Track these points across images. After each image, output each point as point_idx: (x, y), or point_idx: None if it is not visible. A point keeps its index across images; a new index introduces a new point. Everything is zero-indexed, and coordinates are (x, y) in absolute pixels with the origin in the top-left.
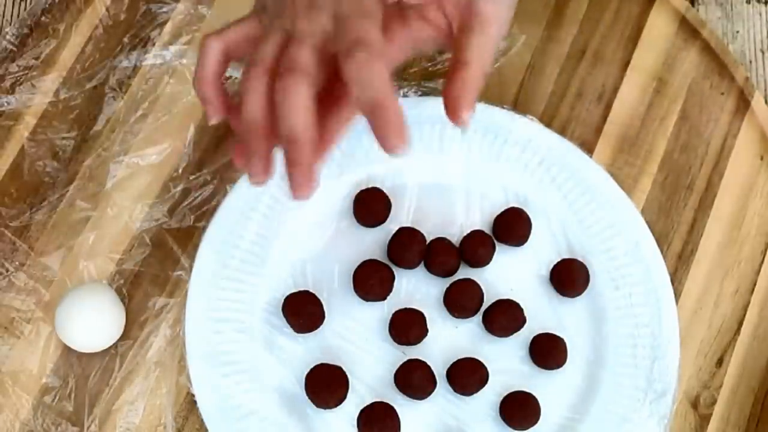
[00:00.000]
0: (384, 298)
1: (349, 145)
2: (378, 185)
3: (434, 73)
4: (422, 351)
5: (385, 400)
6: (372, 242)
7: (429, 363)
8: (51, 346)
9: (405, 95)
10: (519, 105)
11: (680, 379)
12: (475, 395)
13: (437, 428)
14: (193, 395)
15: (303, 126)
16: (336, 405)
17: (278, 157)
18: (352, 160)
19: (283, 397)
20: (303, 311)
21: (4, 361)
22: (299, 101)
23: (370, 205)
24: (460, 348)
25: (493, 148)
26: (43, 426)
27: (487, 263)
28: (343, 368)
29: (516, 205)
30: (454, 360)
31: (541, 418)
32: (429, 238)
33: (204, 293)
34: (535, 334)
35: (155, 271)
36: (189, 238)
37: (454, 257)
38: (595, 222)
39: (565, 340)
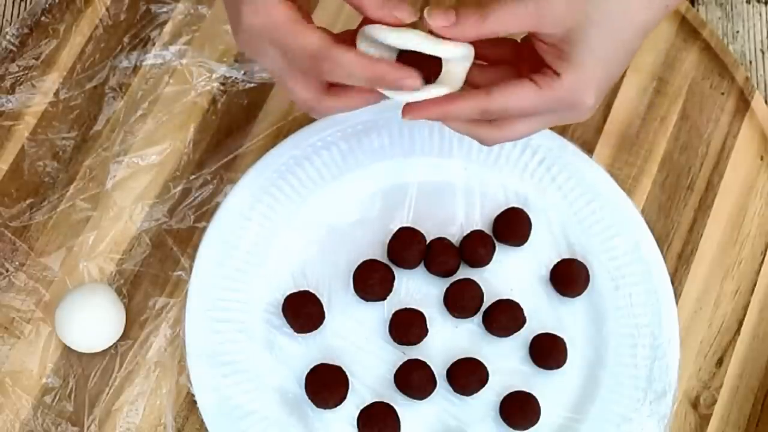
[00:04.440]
0: (384, 298)
1: (350, 146)
2: (378, 185)
3: None
4: (422, 351)
5: (385, 400)
6: (372, 242)
7: (429, 363)
8: (51, 346)
9: None
10: None
11: (680, 379)
12: (475, 395)
13: (437, 428)
14: (193, 395)
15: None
16: (336, 405)
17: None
18: (353, 160)
19: (283, 397)
20: (303, 311)
21: (4, 361)
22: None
23: None
24: (460, 348)
25: (493, 148)
26: (43, 426)
27: (487, 263)
28: (343, 368)
29: (516, 205)
30: (454, 360)
31: (541, 418)
32: (429, 238)
33: (204, 293)
34: (535, 334)
35: (155, 271)
36: (189, 238)
37: (454, 257)
38: (595, 222)
39: (565, 340)
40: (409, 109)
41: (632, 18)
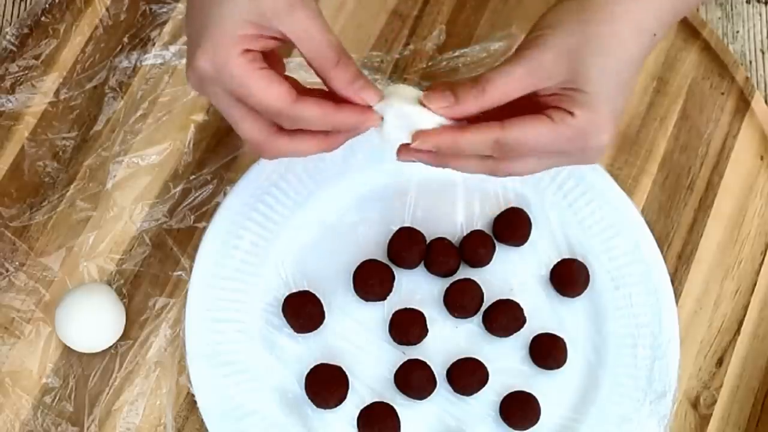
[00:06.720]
0: (384, 298)
1: (350, 147)
2: (378, 185)
3: (434, 74)
4: (422, 351)
5: (385, 400)
6: (372, 242)
7: (429, 363)
8: (51, 346)
9: None
10: None
11: (680, 379)
12: (475, 395)
13: (437, 428)
14: (193, 395)
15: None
16: (336, 405)
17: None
18: (354, 160)
19: (283, 397)
20: (303, 311)
21: (4, 361)
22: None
23: None
24: (460, 348)
25: None
26: (43, 426)
27: (487, 263)
28: (343, 368)
29: (516, 205)
30: (454, 360)
31: (541, 418)
32: (429, 238)
33: (204, 293)
34: (535, 334)
35: (155, 271)
36: (189, 238)
37: (454, 257)
38: (595, 222)
39: (565, 340)
40: (417, 135)
41: (628, 51)
